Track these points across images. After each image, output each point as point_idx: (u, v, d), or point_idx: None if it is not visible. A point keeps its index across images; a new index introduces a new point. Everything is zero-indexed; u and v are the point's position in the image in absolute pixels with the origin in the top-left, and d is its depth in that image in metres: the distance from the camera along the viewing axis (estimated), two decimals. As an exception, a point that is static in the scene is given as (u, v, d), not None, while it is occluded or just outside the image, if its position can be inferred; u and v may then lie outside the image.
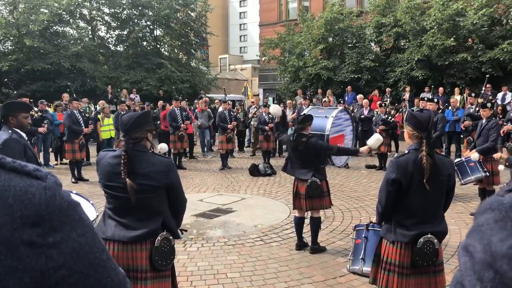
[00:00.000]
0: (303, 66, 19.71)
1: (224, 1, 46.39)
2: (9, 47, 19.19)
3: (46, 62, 17.99)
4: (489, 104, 6.91)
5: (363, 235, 3.31)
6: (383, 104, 11.59)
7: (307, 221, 5.20)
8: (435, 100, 9.60)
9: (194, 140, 13.83)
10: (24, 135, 4.13)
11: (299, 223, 5.06)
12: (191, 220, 6.28)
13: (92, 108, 15.21)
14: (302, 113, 5.77)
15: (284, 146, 12.38)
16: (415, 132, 2.79)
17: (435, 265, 2.77)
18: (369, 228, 3.28)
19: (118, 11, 22.14)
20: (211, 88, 23.94)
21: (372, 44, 19.62)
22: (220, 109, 12.13)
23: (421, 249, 2.69)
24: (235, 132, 12.75)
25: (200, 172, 10.57)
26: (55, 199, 0.69)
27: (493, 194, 5.31)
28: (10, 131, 3.96)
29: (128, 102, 14.11)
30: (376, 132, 10.35)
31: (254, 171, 9.88)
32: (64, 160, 10.80)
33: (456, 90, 14.33)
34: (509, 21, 15.75)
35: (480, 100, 10.68)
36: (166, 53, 23.74)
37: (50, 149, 11.67)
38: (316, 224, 4.96)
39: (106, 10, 22.09)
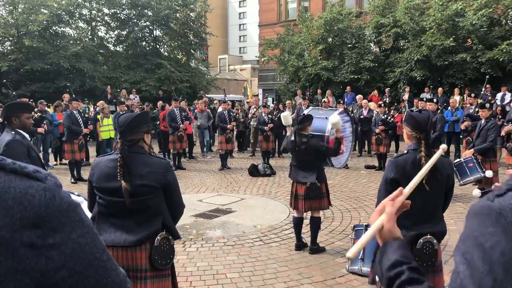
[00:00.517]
0: (302, 66, 19.73)
1: (224, 2, 46.41)
2: (8, 47, 19.19)
3: (46, 62, 17.98)
4: (487, 105, 6.92)
5: (362, 235, 3.31)
6: (382, 104, 11.61)
7: (306, 221, 5.20)
8: (435, 100, 9.62)
9: (194, 140, 13.83)
10: (27, 135, 4.13)
11: (297, 224, 5.06)
12: (191, 220, 6.28)
13: (92, 108, 15.21)
14: (301, 114, 5.78)
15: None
16: (413, 132, 2.79)
17: (434, 266, 2.78)
18: (367, 228, 3.28)
19: (118, 12, 22.14)
20: (210, 88, 23.96)
21: (372, 44, 19.64)
22: (220, 109, 12.13)
23: (421, 250, 2.70)
24: (234, 132, 12.75)
25: (200, 172, 10.57)
26: (54, 200, 0.70)
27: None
28: (13, 132, 3.95)
29: (127, 102, 14.10)
30: (376, 132, 10.40)
31: (254, 171, 9.88)
32: (64, 161, 10.80)
33: (456, 90, 14.35)
34: (508, 21, 15.77)
35: (479, 101, 10.70)
36: (166, 53, 23.75)
37: (50, 150, 11.67)
38: (315, 224, 4.97)
39: (106, 10, 22.10)
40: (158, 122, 12.94)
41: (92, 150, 11.60)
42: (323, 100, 14.69)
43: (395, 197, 1.19)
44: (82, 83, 19.03)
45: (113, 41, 22.98)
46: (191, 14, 23.49)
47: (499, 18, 16.19)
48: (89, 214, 2.84)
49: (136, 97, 17.50)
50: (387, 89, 16.28)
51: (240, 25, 47.60)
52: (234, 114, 12.95)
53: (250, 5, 43.01)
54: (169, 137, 10.97)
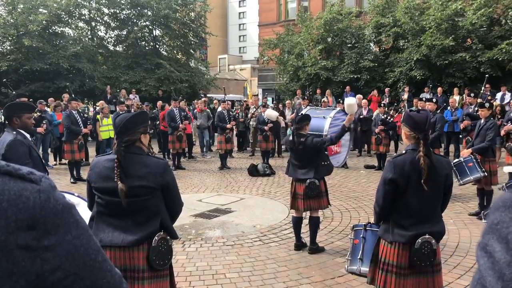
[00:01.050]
0: (302, 66, 19.72)
1: (223, 1, 46.39)
2: (8, 47, 19.19)
3: (45, 62, 17.97)
4: (487, 104, 6.92)
5: (361, 235, 3.31)
6: (382, 104, 11.61)
7: (306, 221, 5.20)
8: (434, 100, 9.61)
9: (193, 140, 13.83)
10: (28, 136, 4.13)
11: (297, 223, 5.06)
12: (190, 220, 6.28)
13: (91, 108, 15.21)
14: (300, 113, 5.78)
15: (283, 147, 12.40)
16: (412, 132, 2.79)
17: (433, 265, 2.78)
18: (367, 228, 3.29)
19: (117, 11, 22.13)
20: (210, 88, 23.96)
21: (371, 44, 19.64)
22: (219, 109, 12.14)
23: (419, 250, 2.70)
24: (234, 132, 12.75)
25: (199, 172, 10.57)
26: (49, 202, 0.69)
27: (491, 194, 5.32)
28: (14, 132, 3.95)
29: (127, 102, 14.11)
30: (375, 132, 10.40)
31: (253, 171, 9.88)
32: (63, 161, 10.80)
33: (455, 90, 14.35)
34: (508, 21, 15.77)
35: (479, 100, 10.69)
36: (165, 53, 23.74)
37: (49, 150, 11.67)
38: (315, 224, 4.97)
39: (105, 10, 22.09)
40: (158, 122, 12.94)
41: (92, 150, 11.60)
42: (322, 100, 14.69)
43: None
44: (82, 83, 19.03)
45: (112, 41, 22.99)
46: (190, 14, 23.49)
47: (499, 17, 16.19)
48: (88, 214, 2.85)
49: (135, 97, 17.50)
50: (386, 89, 16.28)
51: (240, 25, 47.59)
52: (234, 113, 12.95)
53: (250, 5, 43.00)
54: (168, 137, 10.97)
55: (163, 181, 2.48)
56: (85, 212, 2.76)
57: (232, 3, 48.08)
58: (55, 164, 11.61)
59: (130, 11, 22.16)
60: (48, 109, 12.11)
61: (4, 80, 16.33)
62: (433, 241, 2.74)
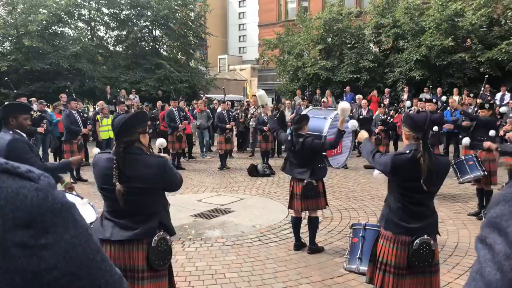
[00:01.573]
0: (302, 66, 19.72)
1: (223, 2, 46.41)
2: (8, 47, 19.18)
3: (45, 62, 17.98)
4: (487, 105, 6.93)
5: (360, 234, 3.32)
6: (382, 105, 11.61)
7: (305, 221, 5.21)
8: (434, 100, 9.62)
9: (193, 140, 13.84)
10: (24, 135, 4.14)
11: (296, 224, 5.07)
12: (190, 220, 6.29)
13: (91, 108, 15.21)
14: (300, 113, 5.80)
15: (282, 147, 12.40)
16: (411, 133, 2.80)
17: (431, 266, 2.78)
18: (366, 227, 3.30)
19: (117, 12, 22.14)
20: (210, 88, 23.97)
21: (371, 44, 19.65)
22: (219, 109, 12.14)
23: (417, 250, 2.71)
24: (234, 132, 12.75)
25: (199, 172, 10.57)
26: (47, 201, 0.69)
27: (491, 194, 5.32)
28: (11, 132, 3.96)
29: (127, 102, 14.11)
30: (375, 132, 10.40)
31: (253, 171, 9.88)
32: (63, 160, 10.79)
33: (455, 90, 14.36)
34: (507, 21, 15.79)
35: (478, 101, 10.70)
36: (165, 53, 23.75)
37: (49, 149, 11.67)
38: (314, 224, 4.97)
39: (105, 10, 22.09)
40: (158, 122, 12.95)
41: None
42: (322, 100, 14.69)
43: None
44: (82, 83, 19.03)
45: (112, 41, 22.99)
46: (190, 14, 23.49)
47: (499, 18, 16.21)
48: (87, 213, 2.85)
49: (135, 97, 17.51)
50: (386, 90, 16.30)
51: (239, 25, 47.62)
52: (234, 114, 12.95)
53: (250, 5, 43.03)
54: (168, 137, 10.97)
55: (164, 180, 2.50)
56: (83, 211, 2.77)
57: (232, 3, 48.11)
58: (55, 164, 11.60)
59: (130, 12, 22.16)
60: (48, 109, 12.11)
61: (6, 79, 16.34)
62: (432, 241, 2.75)
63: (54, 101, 12.60)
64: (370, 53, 18.88)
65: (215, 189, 8.54)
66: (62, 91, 14.37)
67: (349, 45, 19.49)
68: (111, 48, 22.94)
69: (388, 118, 10.88)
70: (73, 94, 11.74)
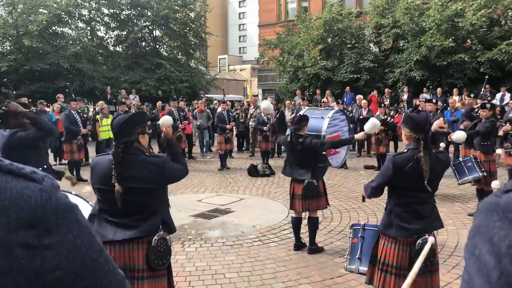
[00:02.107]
0: (302, 67, 19.73)
1: (223, 2, 46.41)
2: (8, 48, 19.19)
3: (45, 62, 17.98)
4: (488, 105, 6.93)
5: (360, 235, 3.32)
6: (382, 105, 11.62)
7: (305, 221, 5.21)
8: (434, 100, 9.62)
9: (193, 140, 13.83)
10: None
11: (296, 224, 5.07)
12: (190, 220, 6.29)
13: (91, 109, 15.21)
14: (298, 114, 5.80)
15: (283, 147, 12.40)
16: (412, 133, 2.80)
17: (432, 265, 2.79)
18: (365, 228, 3.30)
19: (117, 12, 22.14)
20: (210, 88, 23.98)
21: (371, 44, 19.65)
22: (219, 109, 12.13)
23: (420, 251, 2.70)
24: (234, 132, 12.75)
25: (199, 172, 10.57)
26: (51, 201, 0.70)
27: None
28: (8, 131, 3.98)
29: (127, 102, 14.11)
30: (376, 132, 10.40)
31: (253, 171, 9.88)
32: (63, 161, 10.80)
33: (455, 90, 14.37)
34: (507, 21, 15.80)
35: (478, 101, 10.71)
36: (165, 53, 23.76)
37: (49, 149, 11.66)
38: (313, 224, 4.97)
39: (105, 10, 22.10)
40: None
41: (92, 151, 11.60)
42: (322, 100, 14.69)
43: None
44: (82, 83, 19.04)
45: (112, 41, 23.00)
46: (190, 14, 23.50)
47: (499, 18, 16.22)
48: (87, 213, 2.84)
49: (135, 97, 17.51)
50: (386, 90, 16.32)
51: (240, 25, 47.61)
52: (234, 114, 12.95)
53: (250, 5, 43.03)
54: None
55: (164, 177, 2.49)
56: (84, 212, 2.77)
57: (232, 3, 48.10)
58: (55, 164, 11.60)
59: (130, 12, 22.18)
60: (48, 109, 12.12)
61: (5, 80, 16.35)
62: (434, 241, 2.76)
63: (54, 101, 12.60)
64: (370, 53, 18.89)
65: (215, 189, 8.54)
66: (62, 91, 14.37)
67: (349, 45, 19.49)
68: (111, 48, 22.96)
69: (389, 118, 10.88)
70: (72, 94, 11.74)
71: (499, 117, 10.16)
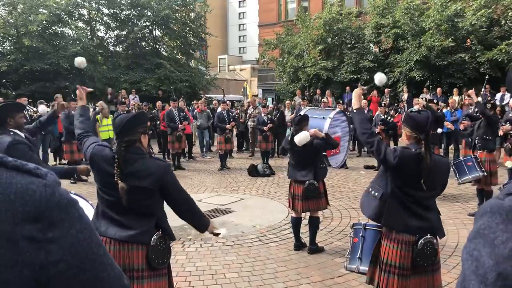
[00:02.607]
0: (302, 67, 19.73)
1: (223, 2, 46.42)
2: (8, 47, 19.20)
3: (45, 62, 17.99)
4: (488, 105, 6.92)
5: (361, 234, 3.32)
6: (382, 104, 11.62)
7: (305, 221, 5.21)
8: (435, 101, 9.62)
9: (193, 140, 13.83)
10: (23, 135, 4.14)
11: (296, 224, 5.06)
12: (190, 220, 6.28)
13: (91, 109, 15.19)
14: (299, 114, 5.80)
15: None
16: (413, 133, 2.79)
17: (434, 264, 2.79)
18: (366, 227, 3.29)
19: (117, 12, 22.15)
20: (210, 88, 23.99)
21: (371, 44, 19.66)
22: (219, 109, 12.13)
23: (422, 250, 2.71)
24: (234, 132, 12.74)
25: (199, 172, 10.57)
26: (54, 196, 0.72)
27: (491, 194, 5.31)
28: (11, 133, 3.97)
29: (127, 103, 14.11)
30: (376, 131, 10.40)
31: (253, 171, 9.88)
32: (63, 161, 10.80)
33: (455, 90, 14.37)
34: (507, 22, 15.79)
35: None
36: (165, 53, 23.76)
37: (49, 149, 11.67)
38: (314, 224, 4.97)
39: (105, 10, 22.10)
40: (158, 122, 12.94)
41: (92, 150, 11.58)
42: (322, 100, 14.69)
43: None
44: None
45: (112, 41, 23.00)
46: (190, 14, 23.52)
47: (499, 18, 16.22)
48: (87, 210, 2.84)
49: (135, 97, 17.51)
50: (386, 90, 16.31)
51: (239, 25, 47.62)
52: (234, 114, 12.95)
53: (250, 5, 43.04)
54: (168, 137, 10.97)
55: (164, 183, 2.48)
56: (86, 211, 2.76)
57: (232, 3, 48.11)
58: (55, 164, 11.60)
59: (130, 12, 22.19)
60: (48, 109, 12.10)
61: (4, 80, 16.36)
62: (435, 240, 2.76)
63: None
64: (370, 53, 18.89)
65: (215, 189, 8.54)
66: (62, 91, 14.36)
67: (349, 45, 19.50)
68: (111, 48, 22.97)
69: (389, 118, 10.88)
70: (72, 95, 11.72)
71: (499, 117, 10.16)
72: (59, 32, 20.41)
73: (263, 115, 11.77)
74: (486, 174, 6.23)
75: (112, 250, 2.42)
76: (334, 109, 11.34)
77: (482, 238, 0.68)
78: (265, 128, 11.27)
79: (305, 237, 5.17)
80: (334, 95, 17.15)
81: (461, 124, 9.55)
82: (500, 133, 7.48)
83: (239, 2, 47.85)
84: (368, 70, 18.19)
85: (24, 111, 4.46)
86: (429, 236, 2.73)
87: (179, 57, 23.82)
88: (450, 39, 15.56)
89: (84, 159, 10.41)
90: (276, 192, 8.14)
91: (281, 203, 7.23)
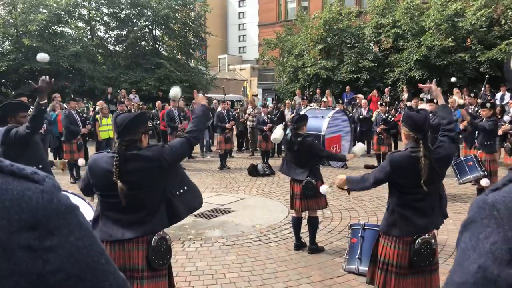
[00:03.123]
0: (301, 66, 19.72)
1: (223, 1, 46.38)
2: (8, 47, 19.19)
3: (45, 62, 17.96)
4: (488, 104, 6.92)
5: (360, 234, 3.31)
6: (383, 103, 11.61)
7: (305, 221, 5.21)
8: (435, 101, 9.60)
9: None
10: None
11: (296, 224, 5.07)
12: (190, 220, 6.27)
13: (91, 108, 15.21)
14: (298, 113, 5.82)
15: (282, 147, 12.40)
16: (411, 133, 2.79)
17: (431, 265, 2.78)
18: (365, 227, 3.29)
19: (117, 11, 22.14)
20: (210, 88, 23.99)
21: (371, 44, 19.66)
22: (219, 109, 12.13)
23: (419, 250, 2.70)
24: (233, 132, 12.74)
25: (199, 172, 10.57)
26: (52, 203, 0.69)
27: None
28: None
29: (127, 102, 14.11)
30: (377, 131, 10.40)
31: (253, 171, 9.88)
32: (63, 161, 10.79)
33: (455, 90, 14.35)
34: (507, 21, 15.79)
35: (479, 100, 10.70)
36: (165, 53, 23.75)
37: (49, 149, 11.66)
38: (313, 224, 4.97)
39: (105, 10, 22.09)
40: (158, 122, 12.94)
41: (92, 150, 11.58)
42: (322, 100, 14.69)
43: None
44: (82, 83, 19.03)
45: (112, 41, 22.99)
46: (190, 14, 23.51)
47: (499, 18, 16.22)
48: (88, 213, 2.83)
49: (135, 97, 17.51)
50: (386, 89, 16.31)
51: (239, 25, 47.56)
52: (234, 113, 12.95)
53: (250, 5, 42.99)
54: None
55: (164, 163, 2.49)
56: (85, 212, 2.75)
57: (232, 3, 48.07)
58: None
59: (130, 11, 22.17)
60: (48, 109, 12.10)
61: (3, 80, 16.35)
62: (433, 240, 2.76)
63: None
64: (370, 53, 18.90)
65: (215, 189, 8.53)
66: (63, 91, 14.37)
67: (349, 45, 19.50)
68: (111, 48, 22.95)
69: (390, 117, 10.87)
70: (72, 94, 11.73)
71: (499, 116, 10.16)
72: (59, 31, 20.38)
73: (263, 114, 11.77)
74: (486, 174, 6.23)
75: (113, 251, 2.42)
76: (333, 109, 11.33)
77: (468, 232, 0.71)
78: (265, 128, 11.26)
79: (305, 237, 5.17)
80: (334, 95, 17.14)
81: (461, 124, 9.58)
82: (500, 132, 7.48)
83: (239, 1, 47.81)
84: (368, 70, 18.20)
85: (29, 111, 4.45)
86: (427, 236, 2.73)
87: (179, 57, 23.81)
88: (450, 38, 15.56)
89: (84, 159, 10.42)
90: (276, 192, 8.14)
91: (281, 203, 7.23)
